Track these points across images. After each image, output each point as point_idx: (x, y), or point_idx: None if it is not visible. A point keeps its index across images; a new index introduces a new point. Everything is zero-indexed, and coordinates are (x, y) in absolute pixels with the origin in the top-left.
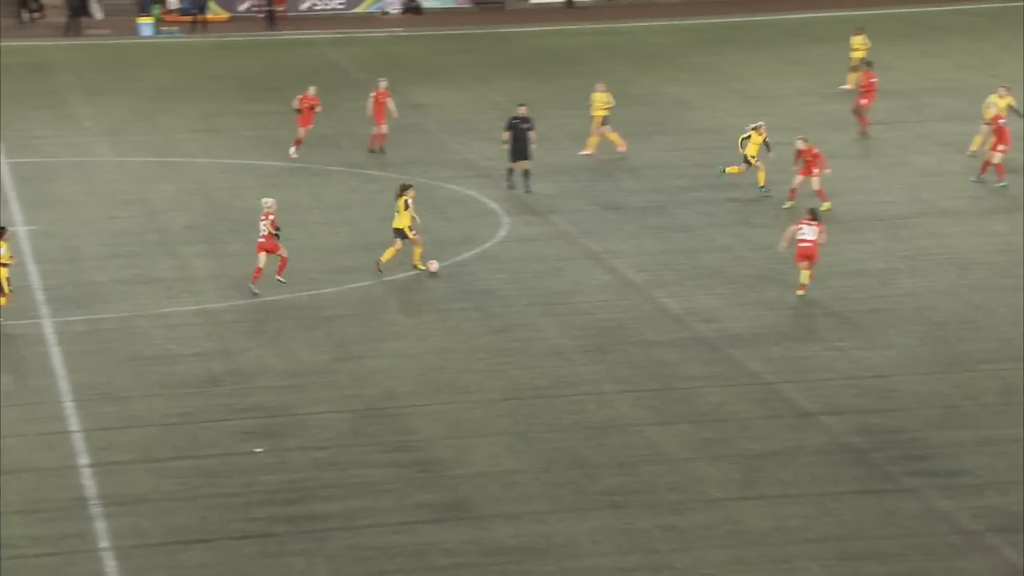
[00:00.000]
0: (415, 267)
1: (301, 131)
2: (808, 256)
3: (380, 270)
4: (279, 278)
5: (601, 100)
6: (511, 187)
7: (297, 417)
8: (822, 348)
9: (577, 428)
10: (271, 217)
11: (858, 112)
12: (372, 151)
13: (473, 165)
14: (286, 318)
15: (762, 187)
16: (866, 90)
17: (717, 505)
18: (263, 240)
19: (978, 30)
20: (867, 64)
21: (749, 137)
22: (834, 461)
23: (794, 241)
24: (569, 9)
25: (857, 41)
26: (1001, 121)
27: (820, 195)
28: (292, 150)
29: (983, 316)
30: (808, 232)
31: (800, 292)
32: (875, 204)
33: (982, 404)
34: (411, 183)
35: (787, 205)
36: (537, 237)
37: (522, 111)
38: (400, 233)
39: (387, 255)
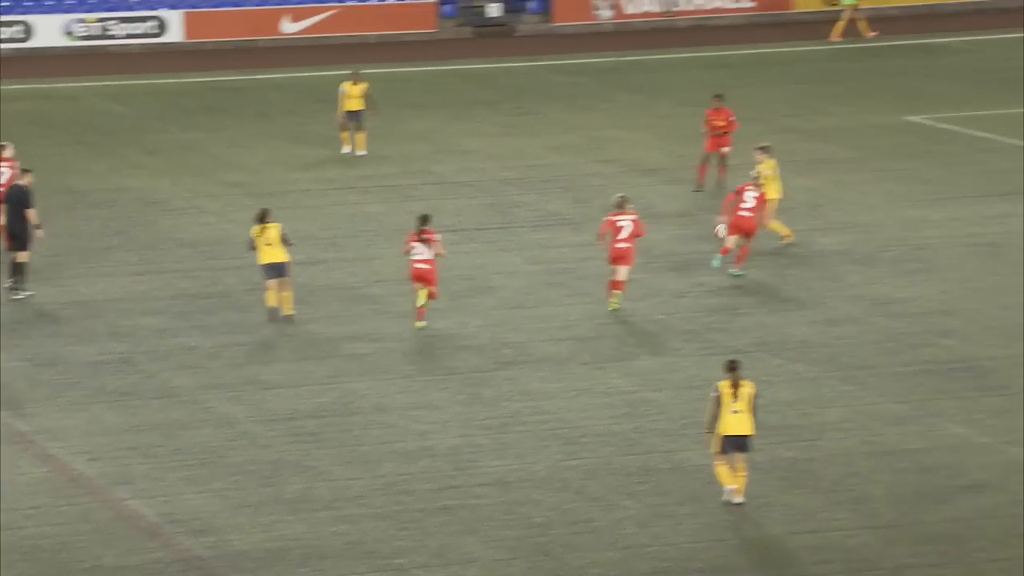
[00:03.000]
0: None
1: None
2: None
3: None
4: None
5: None
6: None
7: None
8: (369, 568)
9: None
10: None
11: None
12: None
13: None
14: None
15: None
16: None
17: None
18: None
19: (582, 95)
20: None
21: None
22: None
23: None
24: None
25: (356, 91)
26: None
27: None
28: None
29: (600, 513)
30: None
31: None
32: (447, 351)
33: None
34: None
35: (419, 325)
36: None
37: (27, 180)
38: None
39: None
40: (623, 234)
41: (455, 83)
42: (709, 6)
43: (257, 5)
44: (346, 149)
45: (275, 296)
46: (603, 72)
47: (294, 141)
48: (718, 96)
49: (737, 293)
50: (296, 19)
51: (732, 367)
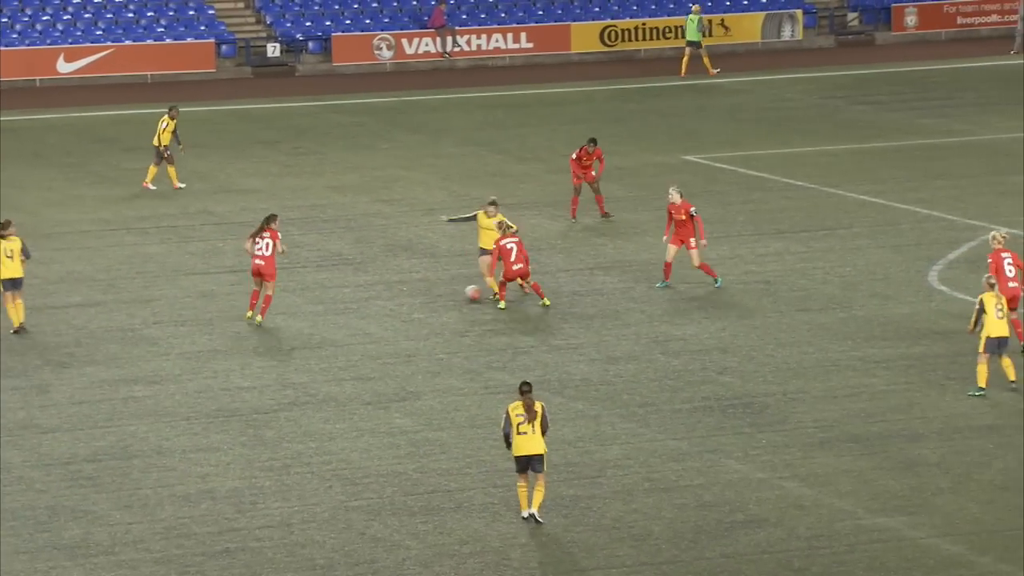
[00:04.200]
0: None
1: None
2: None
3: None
4: None
5: None
6: None
7: None
8: None
9: None
10: None
11: None
12: None
13: None
14: None
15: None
16: None
17: None
18: None
19: (363, 135)
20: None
21: None
22: None
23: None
24: None
25: (173, 125)
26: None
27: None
28: None
29: (383, 554)
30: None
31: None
32: (226, 392)
33: None
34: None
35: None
36: None
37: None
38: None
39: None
40: (513, 256)
41: (234, 123)
42: (488, 46)
43: (31, 45)
44: (150, 186)
45: (14, 310)
46: (384, 112)
47: (71, 182)
48: (593, 140)
49: (518, 331)
50: (71, 59)
51: (522, 389)
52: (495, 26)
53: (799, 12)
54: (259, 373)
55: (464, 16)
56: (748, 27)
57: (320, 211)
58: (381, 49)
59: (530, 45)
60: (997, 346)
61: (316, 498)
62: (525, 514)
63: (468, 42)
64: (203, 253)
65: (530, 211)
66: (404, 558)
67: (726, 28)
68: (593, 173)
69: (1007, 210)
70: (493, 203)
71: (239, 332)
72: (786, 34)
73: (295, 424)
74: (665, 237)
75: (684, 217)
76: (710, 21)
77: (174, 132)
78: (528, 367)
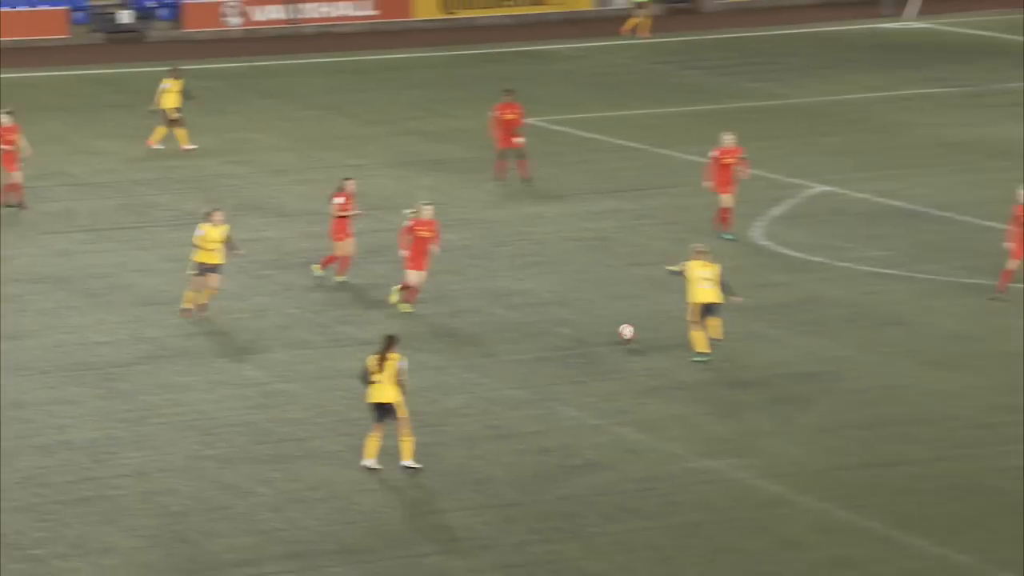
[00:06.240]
0: None
1: None
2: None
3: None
4: None
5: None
6: None
7: None
8: (8, 560)
9: None
10: None
11: None
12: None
13: None
14: None
15: None
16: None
17: None
18: None
19: (214, 99)
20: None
21: None
22: None
23: None
24: None
25: (177, 86)
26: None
27: None
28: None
29: (236, 500)
30: None
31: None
32: (82, 346)
33: None
34: None
35: None
36: None
37: None
38: None
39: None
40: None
41: (88, 87)
42: (334, 13)
43: None
44: (157, 145)
45: None
46: (234, 76)
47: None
48: (509, 91)
49: (365, 288)
50: None
51: (384, 343)
52: None
53: None
54: (114, 328)
55: None
56: None
57: (173, 172)
58: (230, 16)
59: (374, 12)
60: (707, 311)
61: (171, 447)
62: (370, 463)
63: (315, 9)
64: (59, 213)
65: (376, 172)
66: (256, 504)
67: None
68: (517, 140)
69: (825, 168)
70: (217, 209)
71: (95, 288)
72: (619, 1)
73: (150, 377)
74: None
75: None
76: None
77: (181, 92)
78: (375, 321)
